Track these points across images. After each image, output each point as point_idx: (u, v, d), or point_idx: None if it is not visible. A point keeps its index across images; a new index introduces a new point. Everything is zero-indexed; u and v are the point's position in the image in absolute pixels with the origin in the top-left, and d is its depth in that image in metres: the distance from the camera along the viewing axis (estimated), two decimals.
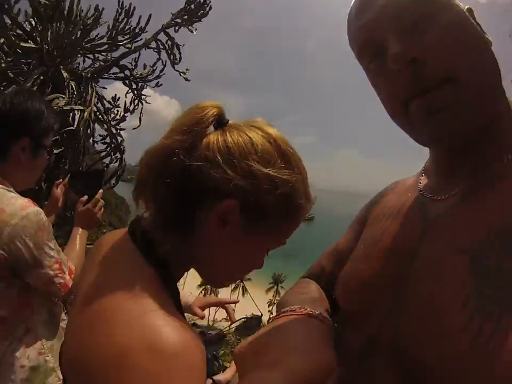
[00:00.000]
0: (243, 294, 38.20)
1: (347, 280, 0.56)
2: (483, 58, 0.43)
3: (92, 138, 4.31)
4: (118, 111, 4.86)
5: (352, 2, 0.49)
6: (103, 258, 0.47)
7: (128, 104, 4.89)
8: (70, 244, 1.12)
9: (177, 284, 0.52)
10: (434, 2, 0.42)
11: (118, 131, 4.87)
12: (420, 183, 0.56)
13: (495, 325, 0.32)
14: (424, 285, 0.41)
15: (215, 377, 0.81)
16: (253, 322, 1.02)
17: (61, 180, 1.24)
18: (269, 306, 33.01)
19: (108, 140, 4.71)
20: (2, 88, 3.11)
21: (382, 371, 0.42)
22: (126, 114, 4.96)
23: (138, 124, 5.34)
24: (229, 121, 0.50)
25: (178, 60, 4.99)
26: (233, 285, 38.20)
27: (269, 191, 0.45)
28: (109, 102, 4.50)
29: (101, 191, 1.22)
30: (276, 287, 38.15)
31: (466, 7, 0.45)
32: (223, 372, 0.88)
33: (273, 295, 37.40)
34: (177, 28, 4.68)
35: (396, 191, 0.62)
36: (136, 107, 5.08)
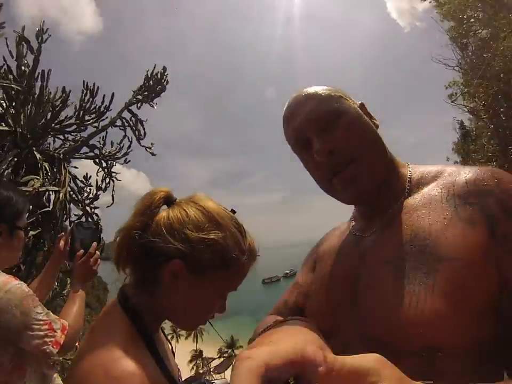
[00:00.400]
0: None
1: (314, 311, 0.73)
2: (373, 141, 0.67)
3: (68, 219, 4.28)
4: (90, 189, 4.98)
5: (285, 109, 0.72)
6: (95, 321, 0.67)
7: (100, 182, 5.06)
8: (67, 303, 1.19)
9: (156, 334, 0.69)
10: (335, 110, 0.65)
11: (93, 210, 4.91)
12: (352, 226, 0.77)
13: (416, 300, 0.52)
14: (369, 290, 0.61)
15: None
16: None
17: (63, 234, 1.31)
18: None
19: (83, 219, 4.69)
20: None
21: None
22: (98, 193, 5.08)
23: (112, 201, 5.42)
24: (176, 200, 0.67)
25: (143, 135, 5.46)
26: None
27: (203, 250, 0.60)
28: (81, 181, 4.64)
29: (94, 244, 1.27)
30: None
31: (359, 102, 0.72)
32: None
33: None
34: (139, 104, 5.28)
35: (335, 234, 0.83)
36: (108, 185, 5.25)
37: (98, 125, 4.71)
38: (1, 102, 3.52)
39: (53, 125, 3.94)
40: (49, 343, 0.99)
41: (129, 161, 5.50)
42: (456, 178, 0.61)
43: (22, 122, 3.63)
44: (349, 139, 0.64)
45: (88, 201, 4.87)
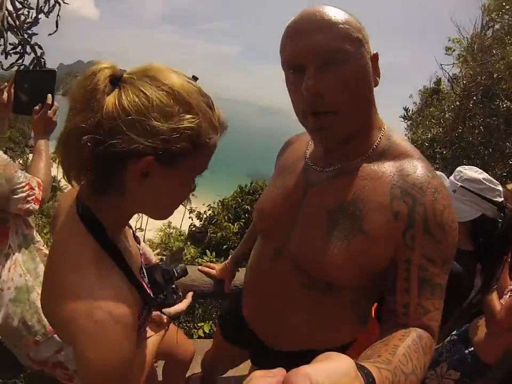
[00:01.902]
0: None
1: (261, 207, 0.88)
2: (362, 101, 0.69)
3: (4, 50, 3.40)
4: (29, 12, 3.81)
5: (294, 21, 0.67)
6: (57, 231, 0.64)
7: (42, 3, 3.86)
8: (35, 158, 1.19)
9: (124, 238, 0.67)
10: (344, 52, 0.63)
11: (30, 39, 3.93)
12: (307, 150, 0.84)
13: (332, 250, 0.69)
14: (304, 225, 0.76)
15: (166, 310, 0.83)
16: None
17: (6, 84, 1.16)
18: None
19: (19, 49, 3.81)
20: None
21: (286, 268, 0.78)
22: (39, 16, 3.97)
23: (55, 28, 4.34)
24: (123, 76, 0.52)
25: None
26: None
27: (175, 141, 0.51)
28: (19, 2, 3.44)
29: (49, 96, 1.15)
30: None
31: (375, 52, 0.70)
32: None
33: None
34: None
35: (295, 146, 0.91)
36: (52, 8, 4.06)
37: None
38: None
39: None
40: (31, 201, 1.06)
41: None
42: (406, 171, 0.69)
43: None
44: (341, 91, 0.64)
45: (25, 26, 3.82)
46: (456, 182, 1.29)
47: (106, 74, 0.49)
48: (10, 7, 3.32)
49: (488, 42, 5.81)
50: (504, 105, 4.85)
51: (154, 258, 1.14)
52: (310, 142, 0.85)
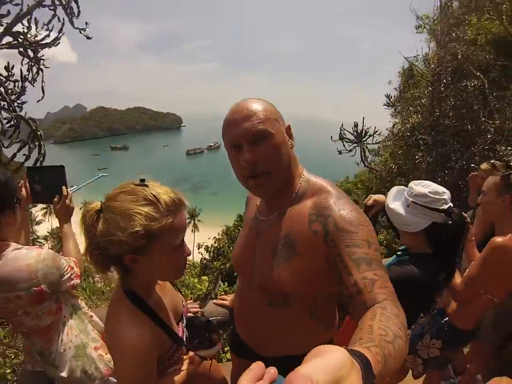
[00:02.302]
0: None
1: (234, 254, 1.21)
2: (286, 162, 0.96)
3: (2, 129, 3.72)
4: (15, 83, 4.16)
5: (229, 114, 0.96)
6: (109, 307, 1.01)
7: (25, 72, 4.21)
8: (65, 241, 1.49)
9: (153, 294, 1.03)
10: (265, 131, 0.91)
11: (21, 109, 4.22)
12: (257, 205, 1.15)
13: (278, 271, 0.97)
14: (260, 261, 1.05)
15: (201, 352, 1.13)
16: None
17: (22, 181, 1.44)
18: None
19: (14, 122, 4.11)
20: None
21: (256, 292, 1.06)
22: (25, 85, 4.31)
23: (42, 94, 4.69)
24: (102, 207, 0.88)
25: (76, 14, 4.30)
26: None
27: (138, 239, 0.82)
28: (4, 77, 3.78)
29: (64, 188, 1.45)
30: (192, 221, 38.72)
31: (287, 125, 1.00)
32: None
33: (192, 230, 37.23)
34: None
35: (251, 202, 1.22)
36: (36, 75, 4.41)
37: (22, 5, 3.53)
38: None
39: None
40: (74, 278, 1.36)
41: (59, 43, 4.50)
42: (319, 201, 0.95)
43: None
44: (270, 158, 0.92)
45: (13, 96, 4.16)
46: (409, 198, 1.49)
47: (92, 212, 0.86)
48: None
49: (448, 23, 6.01)
50: (472, 84, 5.03)
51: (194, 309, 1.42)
52: (258, 200, 1.15)
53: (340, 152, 8.30)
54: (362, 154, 7.87)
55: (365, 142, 7.78)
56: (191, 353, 1.14)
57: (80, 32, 4.60)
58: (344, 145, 8.16)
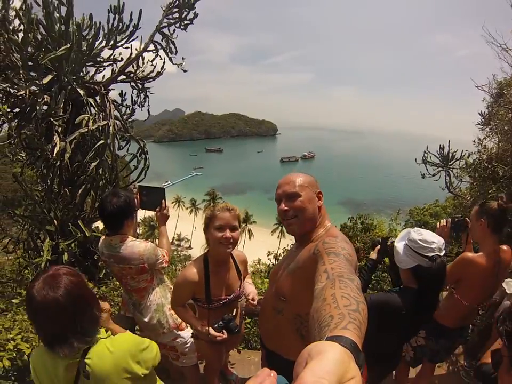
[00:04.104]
0: (249, 238, 40.74)
1: (271, 272, 1.87)
2: (310, 212, 1.44)
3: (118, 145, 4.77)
4: (126, 105, 5.27)
5: (280, 180, 1.51)
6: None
7: (135, 98, 5.29)
8: (160, 238, 2.27)
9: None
10: (299, 193, 1.42)
11: (139, 139, 5.16)
12: (293, 244, 1.68)
13: (283, 280, 1.49)
14: (280, 275, 1.56)
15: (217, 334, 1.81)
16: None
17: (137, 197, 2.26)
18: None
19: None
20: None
21: (272, 299, 1.57)
22: (134, 107, 5.39)
23: (148, 115, 5.79)
24: None
25: (175, 53, 5.21)
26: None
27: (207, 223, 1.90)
28: (113, 102, 4.83)
29: (163, 201, 2.25)
30: (280, 227, 39.38)
31: (319, 190, 1.49)
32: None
33: (278, 236, 39.02)
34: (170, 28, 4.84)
35: (291, 248, 1.69)
36: (144, 101, 5.46)
37: (130, 47, 4.55)
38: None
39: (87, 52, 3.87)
40: (163, 263, 2.13)
41: (161, 75, 5.46)
42: (318, 241, 1.31)
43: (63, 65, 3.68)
44: (297, 208, 1.41)
45: (125, 116, 5.24)
46: (406, 241, 1.81)
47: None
48: (115, 113, 4.73)
49: None
50: None
51: (253, 293, 2.04)
52: (295, 241, 1.62)
53: (423, 176, 7.69)
54: (447, 180, 7.12)
55: (451, 167, 7.03)
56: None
57: (178, 67, 5.52)
58: (427, 169, 7.52)
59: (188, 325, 2.21)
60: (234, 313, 1.94)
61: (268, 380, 0.40)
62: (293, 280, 1.40)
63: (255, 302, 1.94)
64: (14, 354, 2.19)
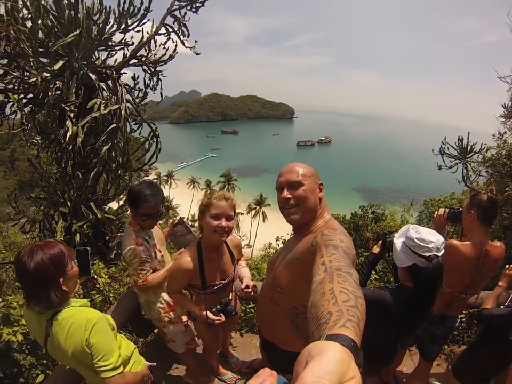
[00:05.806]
0: (263, 220, 40.95)
1: (269, 261, 1.83)
2: (311, 202, 1.43)
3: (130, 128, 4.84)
4: (139, 89, 5.28)
5: (282, 169, 1.50)
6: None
7: (147, 81, 5.28)
8: (164, 274, 2.23)
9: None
10: (301, 182, 1.42)
11: (151, 123, 5.24)
12: (293, 234, 1.62)
13: (280, 271, 1.52)
14: (277, 265, 1.59)
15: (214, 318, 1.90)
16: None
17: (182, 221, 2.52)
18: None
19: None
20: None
21: (269, 288, 1.61)
22: (147, 91, 5.40)
23: (161, 98, 5.80)
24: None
25: (187, 35, 5.13)
26: (253, 212, 40.67)
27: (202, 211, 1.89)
28: (126, 86, 4.85)
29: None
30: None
31: (320, 181, 1.50)
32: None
33: None
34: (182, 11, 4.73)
35: (290, 239, 1.70)
36: (156, 84, 5.46)
37: (142, 30, 4.51)
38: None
39: (98, 37, 3.87)
40: (136, 278, 2.13)
41: (174, 58, 5.42)
42: (316, 233, 1.31)
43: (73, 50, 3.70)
44: (299, 197, 1.41)
45: (137, 100, 5.27)
46: (404, 238, 1.77)
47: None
48: (127, 96, 4.77)
49: None
50: None
51: (246, 280, 2.07)
52: (293, 230, 1.61)
53: (440, 168, 7.43)
54: (465, 173, 6.86)
55: (469, 160, 6.76)
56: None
57: (190, 50, 5.45)
58: (443, 161, 7.25)
59: (178, 320, 2.29)
60: (230, 297, 2.04)
61: (268, 380, 0.41)
62: (289, 271, 1.42)
63: (249, 290, 1.97)
64: (27, 329, 2.33)
